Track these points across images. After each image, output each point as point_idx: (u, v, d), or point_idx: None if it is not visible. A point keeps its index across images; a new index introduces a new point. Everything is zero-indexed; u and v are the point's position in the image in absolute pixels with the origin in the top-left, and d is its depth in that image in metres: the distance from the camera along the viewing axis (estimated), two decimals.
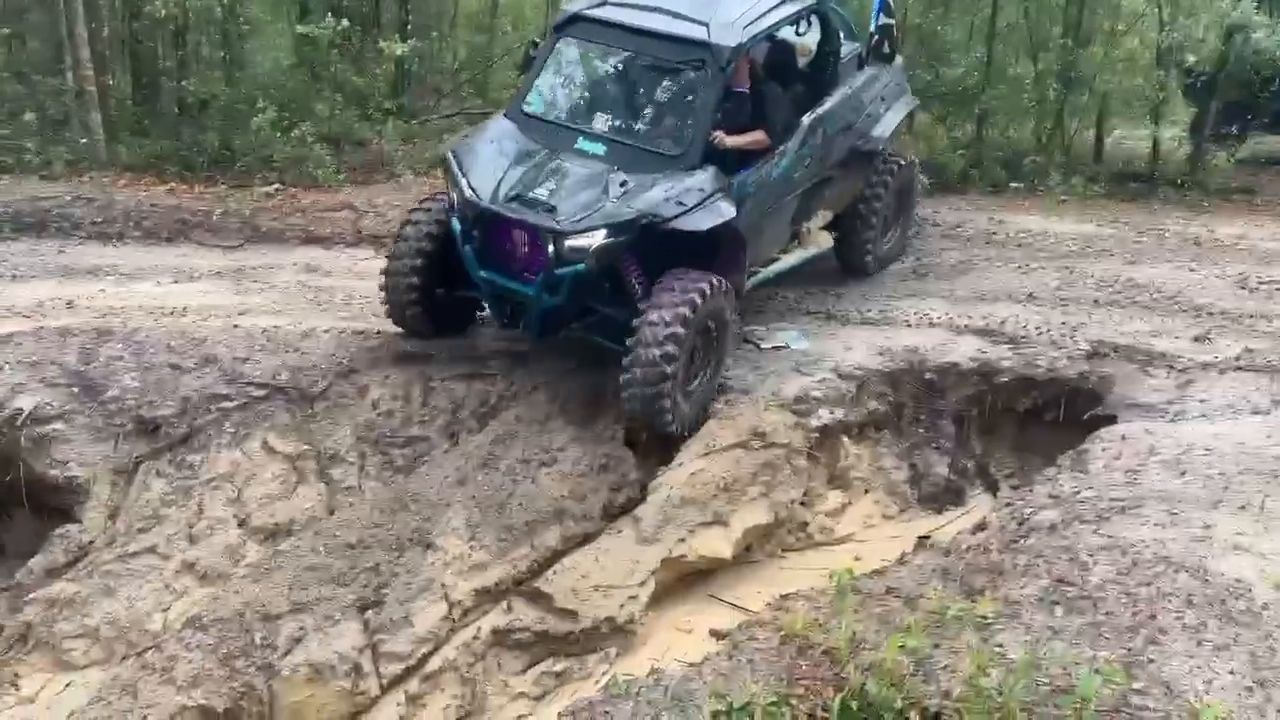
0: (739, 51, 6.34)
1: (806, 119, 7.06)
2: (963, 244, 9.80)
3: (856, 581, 4.47)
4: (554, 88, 7.16)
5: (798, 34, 7.54)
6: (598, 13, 6.67)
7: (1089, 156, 12.56)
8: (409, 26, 13.30)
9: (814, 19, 7.44)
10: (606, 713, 3.41)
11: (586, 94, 7.26)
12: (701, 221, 5.93)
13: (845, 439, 6.92)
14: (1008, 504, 5.68)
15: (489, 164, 6.27)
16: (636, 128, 6.76)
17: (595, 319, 6.47)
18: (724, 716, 3.12)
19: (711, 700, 3.31)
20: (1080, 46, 12.00)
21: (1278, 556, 4.40)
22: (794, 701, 3.36)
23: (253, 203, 10.27)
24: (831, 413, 6.82)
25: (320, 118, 11.77)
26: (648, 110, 6.89)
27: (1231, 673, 3.54)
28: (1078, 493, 5.16)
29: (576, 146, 6.39)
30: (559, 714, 3.52)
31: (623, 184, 5.98)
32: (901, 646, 3.55)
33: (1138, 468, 5.39)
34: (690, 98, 6.66)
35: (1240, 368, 6.90)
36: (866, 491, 6.90)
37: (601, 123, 6.62)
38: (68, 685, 4.90)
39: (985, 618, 3.87)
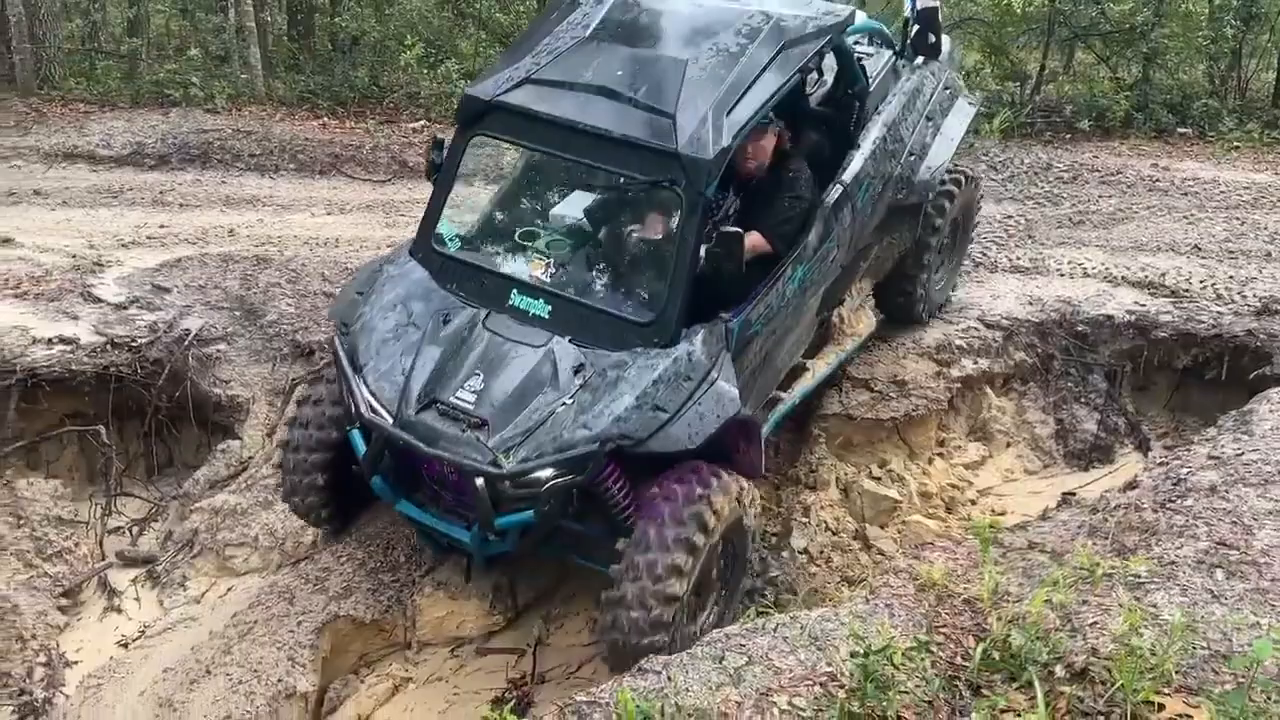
0: (724, 159, 4.22)
1: (829, 196, 5.05)
2: (1122, 191, 9.38)
3: (998, 534, 4.38)
4: (473, 211, 5.25)
5: (806, 91, 5.53)
6: (517, 99, 4.48)
7: (1267, 100, 11.78)
8: None
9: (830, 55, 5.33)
10: (744, 645, 3.44)
11: (518, 222, 5.09)
12: (691, 431, 4.08)
13: (989, 390, 6.76)
14: (1162, 463, 5.43)
15: (392, 348, 4.38)
16: (589, 277, 4.68)
17: (568, 539, 4.52)
18: (862, 657, 3.10)
19: (849, 641, 3.30)
20: None
21: None
22: (933, 648, 3.32)
23: (400, 138, 10.54)
24: (975, 363, 6.66)
25: (464, 55, 11.98)
26: (603, 249, 4.80)
27: None
28: (1241, 454, 4.88)
29: (511, 303, 4.41)
30: (700, 644, 3.56)
31: (577, 371, 4.16)
32: (1048, 600, 3.47)
33: None
34: (648, 230, 4.71)
35: None
36: (1009, 445, 6.74)
37: (541, 268, 4.58)
38: (229, 589, 5.21)
39: (1138, 576, 3.72)
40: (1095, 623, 3.42)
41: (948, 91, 6.40)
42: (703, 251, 4.29)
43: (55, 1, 11.70)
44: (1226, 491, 4.45)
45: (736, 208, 4.89)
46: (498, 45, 12.20)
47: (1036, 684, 3.01)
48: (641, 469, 4.23)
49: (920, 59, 6.12)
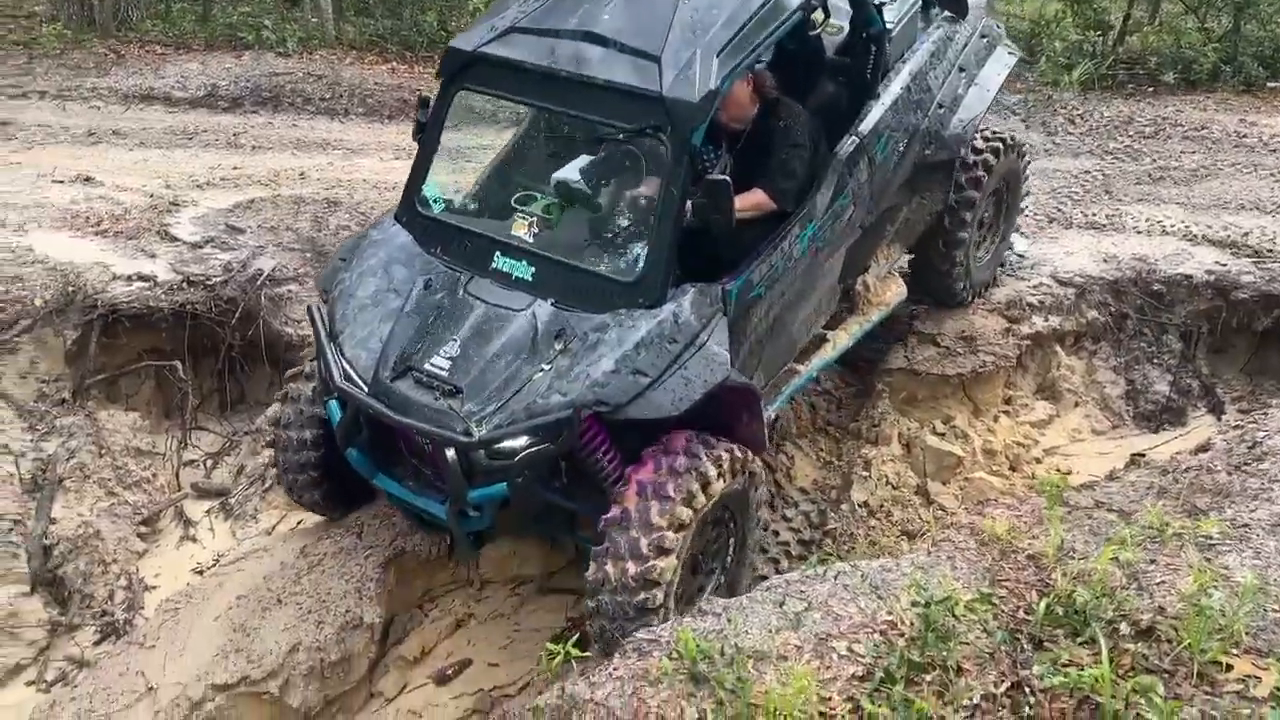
0: (711, 101, 3.92)
1: (842, 148, 4.65)
2: (1207, 147, 9.07)
3: (1065, 492, 4.33)
4: (456, 171, 4.98)
5: (813, 26, 4.92)
6: (500, 49, 4.21)
7: None
8: None
9: None
10: (804, 591, 3.46)
11: (502, 180, 4.90)
12: (675, 397, 3.76)
13: (1059, 348, 6.65)
14: (1237, 426, 5.35)
15: (370, 315, 4.20)
16: (574, 234, 4.42)
17: (561, 516, 4.41)
18: (923, 607, 3.10)
19: (910, 591, 3.30)
20: None
21: None
22: (996, 601, 3.31)
23: None
24: (1046, 320, 6.55)
25: None
26: (588, 202, 4.46)
27: None
28: None
29: (494, 266, 4.18)
30: (761, 588, 3.60)
31: (558, 335, 3.90)
32: (1114, 558, 3.42)
33: None
34: (643, 189, 4.43)
35: None
36: (1077, 405, 6.64)
37: (524, 227, 4.27)
38: (299, 522, 5.36)
39: (1209, 538, 3.66)
40: (1163, 582, 3.37)
41: (984, 40, 5.86)
42: (689, 206, 3.98)
43: None
44: None
45: (730, 167, 4.56)
46: None
47: (1101, 640, 2.97)
48: (634, 440, 3.98)
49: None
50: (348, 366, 4.05)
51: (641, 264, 4.07)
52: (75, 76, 10.25)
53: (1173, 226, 7.34)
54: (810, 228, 4.50)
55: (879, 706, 2.85)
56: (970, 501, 5.54)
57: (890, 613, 3.31)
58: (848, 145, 4.68)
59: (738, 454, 4.02)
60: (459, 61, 4.36)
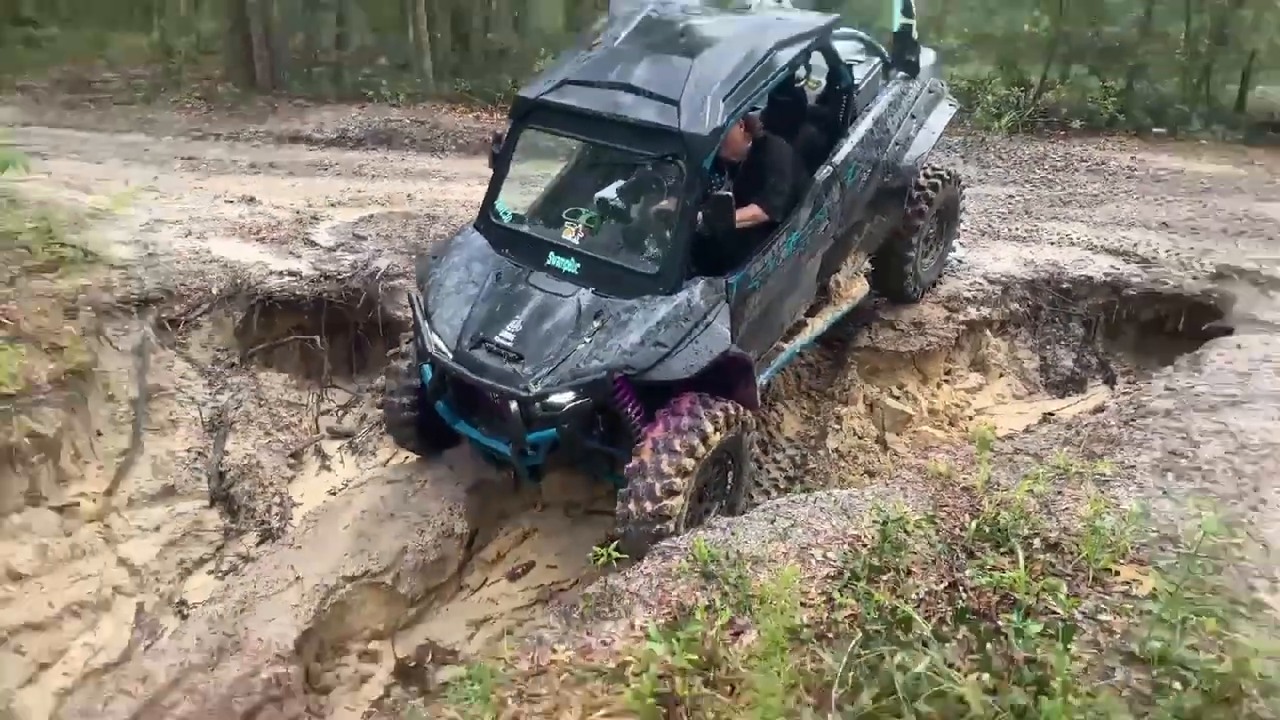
0: (718, 135, 3.95)
1: (820, 174, 4.63)
2: (1105, 178, 8.90)
3: (992, 441, 4.29)
4: (521, 192, 4.99)
5: (796, 82, 5.12)
6: (556, 97, 4.24)
7: (1231, 108, 10.96)
8: None
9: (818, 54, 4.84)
10: (790, 512, 3.46)
11: (556, 196, 4.98)
12: (687, 364, 3.83)
13: (988, 331, 6.56)
14: (1126, 392, 5.26)
15: (454, 300, 4.25)
16: (611, 238, 4.51)
17: (600, 459, 4.35)
18: (882, 525, 3.10)
19: (872, 512, 3.30)
20: (1235, 8, 10.36)
21: None
22: (937, 521, 3.29)
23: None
24: (978, 310, 6.45)
25: None
26: (622, 215, 4.55)
27: None
28: (1192, 387, 4.69)
29: (549, 263, 4.22)
30: (755, 510, 3.59)
31: (597, 316, 3.94)
32: (1030, 491, 3.40)
33: (1250, 371, 4.82)
34: (665, 203, 4.50)
35: None
36: (1001, 375, 6.54)
37: (572, 232, 4.30)
38: (406, 458, 5.30)
39: (1103, 475, 3.63)
40: (1067, 509, 3.35)
41: (931, 94, 5.78)
42: (700, 216, 4.04)
43: (283, 23, 11.87)
44: (1179, 415, 4.29)
45: (730, 189, 4.41)
46: None
47: (1019, 551, 2.96)
48: (655, 399, 4.00)
49: (905, 65, 5.58)
50: (437, 339, 4.11)
51: (662, 260, 4.12)
52: (241, 123, 10.32)
53: (1078, 239, 7.20)
54: (795, 235, 4.50)
55: (846, 598, 2.85)
56: (918, 448, 5.49)
57: (856, 529, 3.32)
58: (824, 173, 4.66)
59: (732, 410, 4.01)
60: (524, 107, 4.39)
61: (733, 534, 3.34)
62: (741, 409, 4.10)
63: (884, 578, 2.95)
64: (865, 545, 3.18)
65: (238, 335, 5.96)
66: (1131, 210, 7.91)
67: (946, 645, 2.58)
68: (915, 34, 5.48)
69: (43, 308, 5.21)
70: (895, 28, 5.42)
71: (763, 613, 2.68)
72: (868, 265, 5.75)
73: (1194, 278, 6.52)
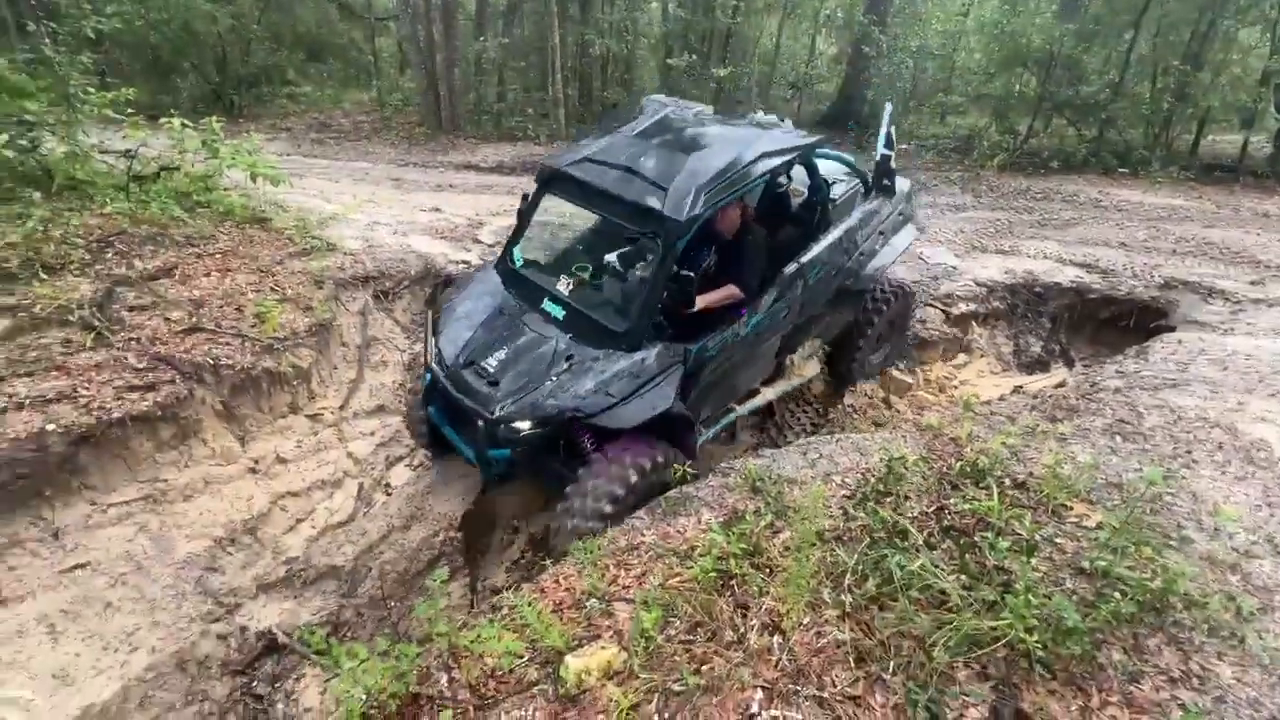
0: (693, 223, 3.44)
1: (787, 269, 4.09)
2: (1076, 207, 8.27)
3: (974, 405, 4.11)
4: (536, 243, 4.46)
5: (778, 188, 4.52)
6: (574, 170, 3.80)
7: (1186, 153, 10.01)
8: (726, 60, 12.64)
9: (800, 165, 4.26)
10: (818, 448, 3.40)
11: (561, 253, 4.50)
12: (630, 415, 3.34)
13: (974, 322, 6.25)
14: (1083, 373, 4.93)
15: (461, 324, 3.86)
16: (595, 295, 3.95)
17: (557, 477, 3.62)
18: (888, 461, 3.02)
19: (880, 451, 3.21)
20: (1195, 72, 9.39)
21: None
22: (930, 461, 3.18)
23: None
24: (967, 306, 6.15)
25: None
26: (607, 277, 4.01)
27: (1246, 495, 2.93)
28: (1139, 371, 4.37)
29: (543, 306, 3.79)
30: (794, 444, 3.54)
31: (568, 359, 3.47)
32: (1003, 443, 3.25)
33: (1188, 361, 4.46)
34: (640, 270, 3.94)
35: None
36: (982, 356, 6.23)
37: (564, 285, 3.86)
38: None
39: (1064, 435, 3.43)
40: (1032, 458, 3.18)
41: (901, 217, 5.04)
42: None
43: (461, 84, 12.06)
44: (1127, 391, 4.01)
45: (714, 262, 4.02)
46: None
47: (993, 486, 2.84)
48: (613, 433, 3.47)
49: (882, 189, 4.90)
50: (439, 354, 3.74)
51: (629, 322, 3.55)
52: (431, 155, 10.55)
53: (1051, 254, 6.75)
54: (756, 318, 3.97)
55: (858, 512, 2.79)
56: (915, 408, 5.30)
57: (866, 464, 3.24)
58: (791, 268, 4.11)
59: (660, 458, 3.43)
60: (547, 174, 3.90)
61: (774, 461, 3.30)
62: (676, 455, 3.47)
63: (887, 500, 2.88)
64: (874, 475, 3.10)
65: (427, 303, 6.06)
66: (1097, 233, 7.35)
67: (934, 552, 2.51)
68: (894, 164, 4.88)
69: (300, 280, 5.45)
70: (877, 156, 4.81)
71: (796, 519, 2.66)
72: (824, 349, 5.11)
73: (1145, 286, 6.04)
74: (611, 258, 3.90)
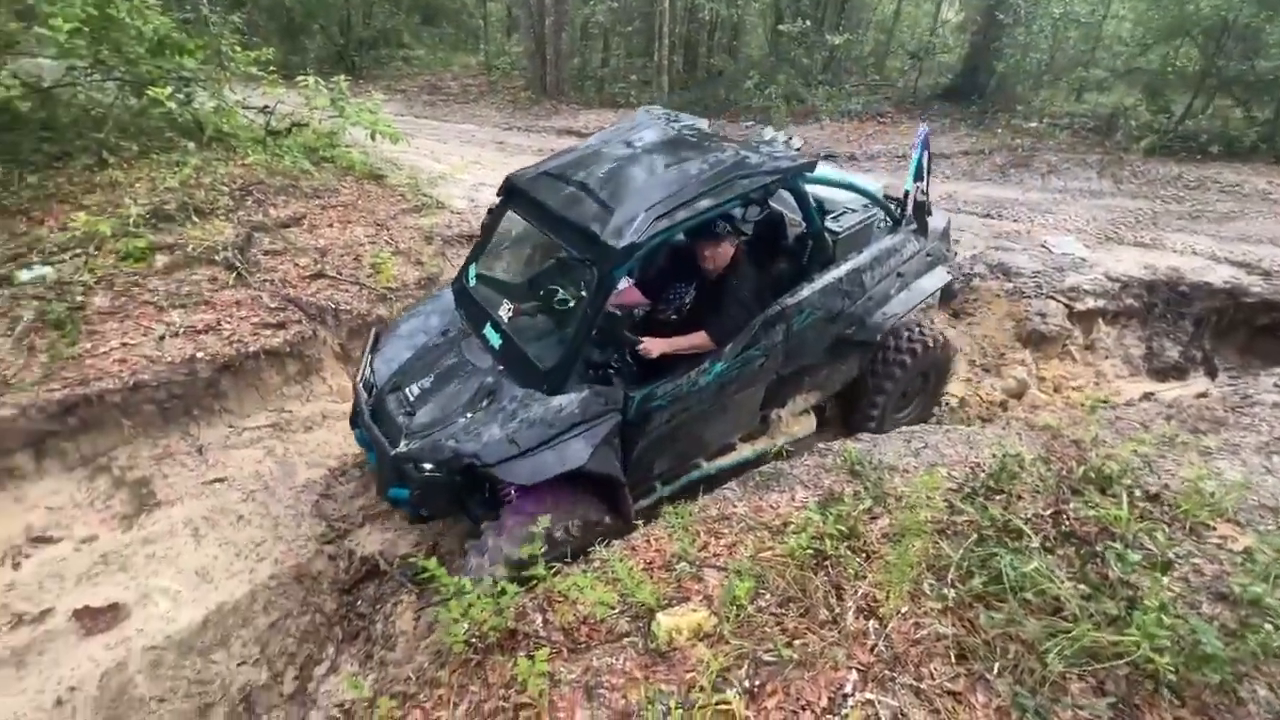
0: (631, 252, 2.85)
1: (765, 313, 3.38)
2: (1238, 199, 7.37)
3: (1097, 406, 3.80)
4: (492, 261, 3.87)
5: (745, 218, 3.86)
6: (528, 185, 3.33)
7: None
8: (841, 26, 12.02)
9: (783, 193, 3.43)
10: (923, 437, 3.26)
11: (510, 275, 3.93)
12: (531, 471, 2.86)
13: (1100, 320, 5.75)
14: (1232, 383, 4.44)
15: (401, 343, 3.49)
16: (534, 326, 3.44)
17: (478, 513, 3.18)
18: (999, 457, 2.85)
19: (992, 445, 3.04)
20: None
21: None
22: (1049, 462, 2.98)
23: (737, 131, 10.17)
24: (1095, 301, 5.66)
25: (779, 84, 11.21)
26: (547, 307, 3.53)
27: None
28: None
29: (484, 332, 3.34)
30: (896, 431, 3.41)
31: (489, 395, 3.04)
32: (1135, 450, 2.98)
33: None
34: (575, 305, 3.41)
35: None
36: (1107, 357, 5.73)
37: (505, 311, 3.38)
38: None
39: (1208, 449, 3.11)
40: (1169, 470, 2.91)
41: (929, 258, 4.18)
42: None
43: (567, 50, 12.14)
44: None
45: (691, 299, 3.47)
46: (799, 78, 11.34)
47: (1122, 494, 2.62)
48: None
49: (911, 226, 4.13)
50: (372, 373, 3.39)
51: (555, 360, 3.03)
52: (534, 119, 10.76)
53: (1202, 250, 6.07)
54: (718, 366, 3.28)
55: (965, 506, 2.66)
56: (1027, 406, 4.98)
57: (976, 458, 3.07)
58: (771, 312, 3.40)
59: (586, 519, 2.98)
60: (506, 187, 3.48)
61: (875, 446, 3.20)
62: (602, 518, 3.05)
63: (998, 497, 2.72)
64: (983, 470, 2.94)
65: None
66: (1261, 229, 6.53)
67: (1049, 556, 2.36)
68: (925, 196, 4.15)
69: (412, 235, 5.76)
70: (908, 186, 4.08)
71: (898, 507, 2.58)
72: (817, 401, 4.13)
73: None
74: (562, 284, 3.50)
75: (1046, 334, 5.45)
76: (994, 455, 2.94)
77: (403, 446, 2.96)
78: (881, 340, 3.98)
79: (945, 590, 2.26)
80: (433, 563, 2.23)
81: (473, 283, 3.64)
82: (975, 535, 2.47)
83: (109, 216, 4.85)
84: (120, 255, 4.69)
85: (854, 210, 3.91)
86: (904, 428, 3.45)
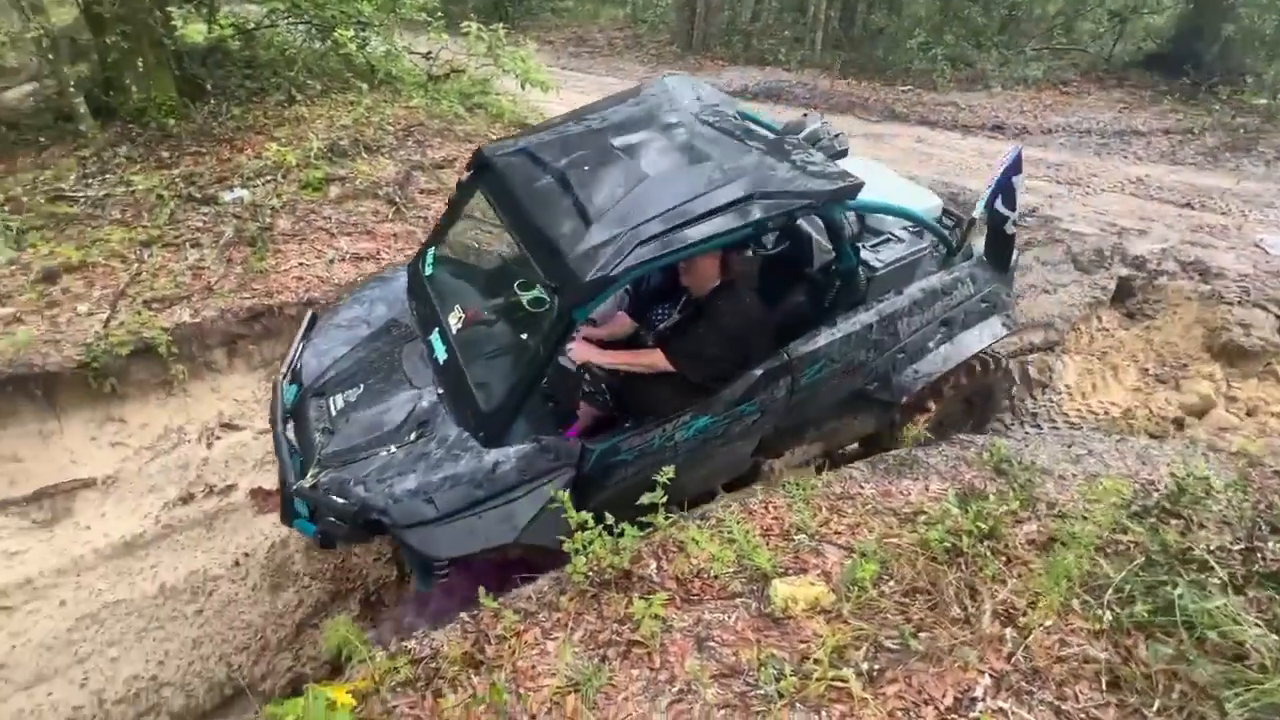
0: (600, 287, 2.19)
1: (764, 366, 2.71)
2: None
3: None
4: (452, 249, 3.14)
5: (763, 248, 3.07)
6: (501, 164, 2.64)
7: None
8: None
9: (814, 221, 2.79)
10: (1086, 444, 2.94)
11: (468, 272, 3.17)
12: (449, 543, 2.28)
13: None
14: None
15: (338, 334, 2.87)
16: (487, 338, 2.76)
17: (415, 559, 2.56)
18: (1180, 477, 2.51)
19: (1172, 464, 2.69)
20: None
21: None
22: (1247, 490, 2.59)
23: (892, 96, 9.49)
24: None
25: (948, 45, 10.24)
26: (503, 325, 2.83)
27: None
28: None
29: (429, 337, 2.71)
30: (1053, 433, 3.11)
31: (420, 428, 2.45)
32: None
33: None
34: (528, 335, 2.68)
35: None
36: None
37: (455, 318, 2.70)
38: None
39: None
40: None
41: (985, 304, 3.31)
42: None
43: (718, 2, 11.77)
44: None
45: (673, 323, 2.79)
46: (971, 39, 10.27)
47: None
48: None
49: (969, 261, 3.27)
50: (300, 367, 2.81)
51: (496, 401, 2.42)
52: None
53: None
54: (702, 420, 2.68)
55: (1134, 525, 2.39)
56: (1212, 428, 4.35)
57: (1151, 475, 2.75)
58: (772, 364, 2.73)
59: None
60: (478, 161, 2.78)
61: (1025, 446, 2.94)
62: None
63: (1174, 521, 2.42)
64: (1158, 490, 2.61)
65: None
66: None
67: (1236, 596, 2.07)
68: (1011, 229, 3.16)
69: None
70: (978, 212, 3.15)
71: (1049, 514, 2.36)
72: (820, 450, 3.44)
73: None
74: (527, 297, 2.86)
75: (1247, 348, 4.68)
76: (1173, 475, 2.60)
77: (307, 480, 2.38)
78: (902, 402, 3.22)
79: (1100, 611, 2.05)
80: (565, 495, 2.31)
81: (429, 271, 2.99)
82: (1143, 558, 2.22)
83: (294, 148, 5.39)
84: (301, 184, 5.21)
85: (900, 239, 3.17)
86: (1064, 432, 3.13)
